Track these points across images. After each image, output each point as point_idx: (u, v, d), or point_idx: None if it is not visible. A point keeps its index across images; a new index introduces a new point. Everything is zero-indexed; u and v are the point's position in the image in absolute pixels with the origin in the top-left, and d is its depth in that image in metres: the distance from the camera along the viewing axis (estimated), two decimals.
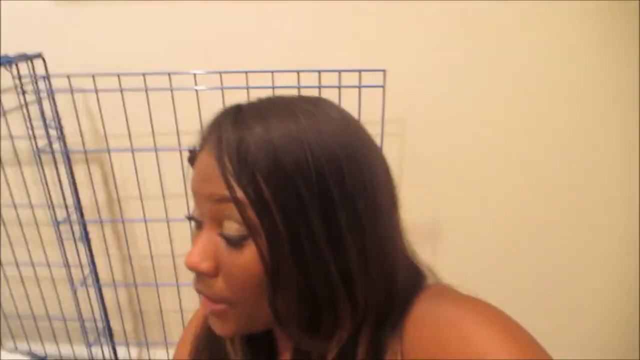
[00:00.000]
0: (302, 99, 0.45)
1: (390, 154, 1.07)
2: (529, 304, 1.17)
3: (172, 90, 0.94)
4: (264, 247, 0.39)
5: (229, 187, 0.39)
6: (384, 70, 0.89)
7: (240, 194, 0.39)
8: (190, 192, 0.44)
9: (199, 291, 0.43)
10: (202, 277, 0.42)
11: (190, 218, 0.45)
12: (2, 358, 1.26)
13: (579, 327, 1.22)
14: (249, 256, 0.40)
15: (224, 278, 0.41)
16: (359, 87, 0.91)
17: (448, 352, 0.38)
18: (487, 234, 1.15)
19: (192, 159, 0.45)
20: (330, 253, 0.40)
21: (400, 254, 0.47)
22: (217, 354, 0.53)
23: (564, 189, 1.09)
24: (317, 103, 0.44)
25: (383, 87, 0.90)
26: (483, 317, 0.40)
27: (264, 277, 0.40)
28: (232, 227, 0.40)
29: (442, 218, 1.14)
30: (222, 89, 0.92)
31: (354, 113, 0.89)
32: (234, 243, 0.40)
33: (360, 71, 0.90)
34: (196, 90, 0.95)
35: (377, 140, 0.91)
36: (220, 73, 0.91)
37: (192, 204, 0.44)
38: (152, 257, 1.15)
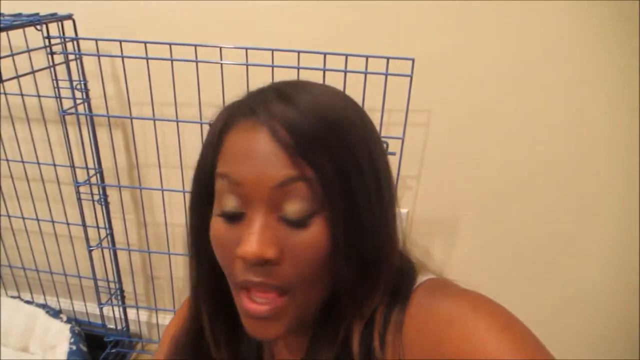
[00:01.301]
0: (313, 82, 0.46)
1: (413, 143, 1.06)
2: (537, 300, 1.16)
3: (197, 63, 0.93)
4: (331, 219, 0.39)
5: (297, 167, 0.38)
6: (412, 59, 0.87)
7: (308, 171, 0.38)
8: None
9: (259, 284, 0.40)
10: (262, 267, 0.40)
11: (225, 215, 0.41)
12: (19, 309, 1.31)
13: (584, 326, 1.20)
14: (314, 232, 0.39)
15: (290, 260, 0.40)
16: (386, 74, 0.89)
17: (448, 347, 0.38)
18: (506, 232, 1.12)
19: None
20: (380, 217, 0.43)
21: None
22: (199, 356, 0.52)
23: (592, 192, 1.06)
24: (327, 86, 0.46)
25: (411, 76, 0.88)
26: (484, 313, 0.39)
27: (329, 251, 0.40)
28: (296, 207, 0.39)
29: (461, 212, 1.12)
30: (247, 65, 0.91)
31: (378, 100, 0.88)
32: (299, 223, 0.39)
33: (388, 58, 0.87)
34: (221, 64, 0.94)
35: (400, 130, 0.91)
36: (246, 49, 0.90)
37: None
38: (166, 225, 1.17)
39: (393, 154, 0.93)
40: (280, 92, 0.41)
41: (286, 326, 0.42)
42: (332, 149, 0.39)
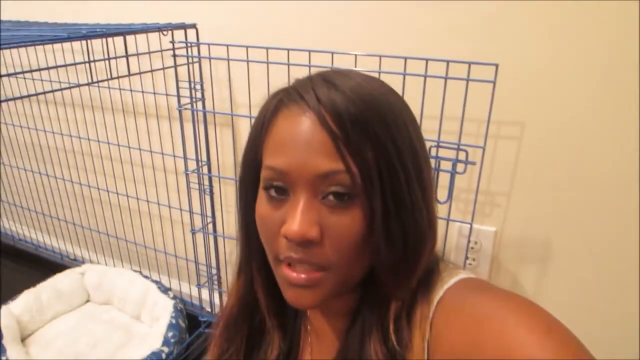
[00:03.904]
0: (356, 71, 0.48)
1: (503, 158, 1.00)
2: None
3: (288, 66, 1.01)
4: (371, 203, 0.42)
5: (342, 159, 0.41)
6: (496, 65, 0.84)
7: (352, 163, 0.41)
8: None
9: (299, 261, 0.43)
10: (304, 246, 0.42)
11: (270, 188, 0.44)
12: (137, 281, 1.50)
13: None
14: (354, 214, 0.42)
15: (330, 241, 0.42)
16: (467, 80, 0.87)
17: (483, 346, 0.37)
18: (602, 262, 0.99)
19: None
20: (420, 199, 0.44)
21: None
22: (251, 331, 0.57)
23: None
24: (369, 75, 0.48)
25: (494, 82, 0.85)
26: (522, 313, 0.38)
27: (368, 232, 0.43)
28: (337, 192, 0.42)
29: (556, 237, 1.02)
30: (331, 68, 0.96)
31: (459, 107, 0.86)
32: (340, 205, 0.42)
33: (470, 63, 0.85)
34: (309, 67, 1.00)
35: (481, 141, 0.87)
36: (332, 53, 0.95)
37: None
38: None
39: (473, 163, 0.90)
40: (326, 79, 0.44)
41: (323, 296, 0.45)
42: (375, 133, 0.41)
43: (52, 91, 0.98)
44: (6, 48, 0.78)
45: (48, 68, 0.93)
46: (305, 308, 0.55)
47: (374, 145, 0.41)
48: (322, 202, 0.42)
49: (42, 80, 1.36)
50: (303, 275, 0.43)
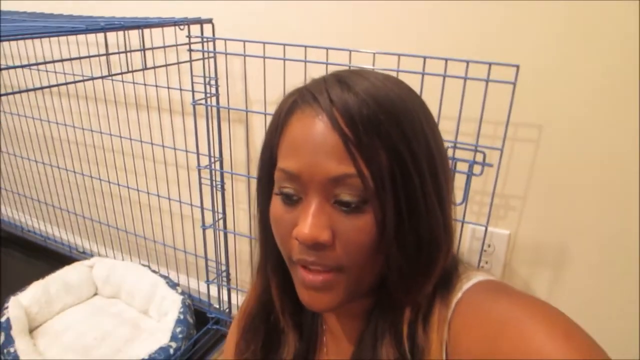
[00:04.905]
0: (372, 71, 0.47)
1: (520, 161, 0.99)
2: None
3: (305, 63, 1.00)
4: (383, 207, 0.41)
5: (354, 163, 0.40)
6: (517, 66, 0.83)
7: (364, 167, 0.40)
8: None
9: (312, 263, 0.43)
10: (316, 248, 0.42)
11: (283, 198, 0.44)
12: (146, 276, 1.50)
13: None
14: (367, 218, 0.42)
15: (341, 244, 0.42)
16: (487, 80, 0.86)
17: (501, 351, 0.37)
18: (619, 269, 0.98)
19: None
20: (436, 203, 0.43)
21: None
22: (269, 331, 0.57)
23: None
24: (385, 74, 0.47)
25: (514, 84, 0.84)
26: (541, 316, 0.38)
27: (380, 236, 0.42)
28: (350, 196, 0.41)
29: (569, 242, 1.01)
30: (349, 66, 0.95)
31: (477, 108, 0.85)
32: (352, 209, 0.42)
33: (490, 64, 0.84)
34: (326, 65, 0.99)
35: (498, 142, 0.86)
36: (350, 51, 0.95)
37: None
38: None
39: (490, 165, 0.89)
40: (341, 80, 0.43)
41: (339, 298, 0.45)
42: (389, 136, 0.41)
43: (69, 83, 0.98)
44: (25, 38, 0.78)
45: (63, 60, 0.93)
46: (321, 311, 0.55)
47: (387, 148, 0.40)
48: (333, 205, 0.42)
49: (57, 72, 1.35)
50: (319, 277, 0.43)
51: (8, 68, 0.76)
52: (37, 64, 0.86)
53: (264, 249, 0.53)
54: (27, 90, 0.99)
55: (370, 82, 0.43)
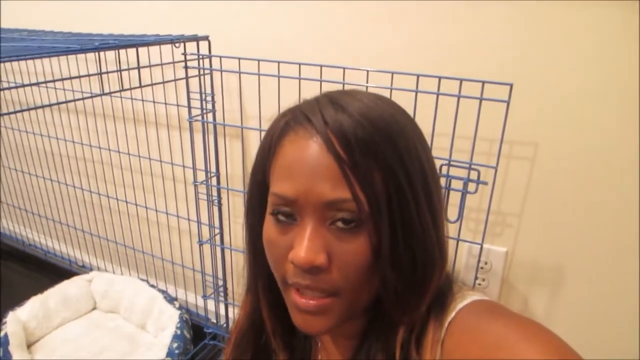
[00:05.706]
0: (364, 91, 0.47)
1: (516, 178, 0.98)
2: None
3: (300, 80, 1.00)
4: (379, 229, 0.41)
5: (349, 187, 0.40)
6: (510, 84, 0.82)
7: (359, 190, 0.40)
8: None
9: (307, 287, 0.43)
10: (312, 272, 0.42)
11: (278, 213, 0.44)
12: (143, 290, 1.50)
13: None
14: (362, 240, 0.42)
15: (337, 267, 0.42)
16: (480, 98, 0.85)
17: None
18: (616, 287, 0.97)
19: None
20: (430, 222, 0.43)
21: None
22: (259, 350, 0.57)
23: None
24: (377, 94, 0.47)
25: (507, 102, 0.83)
26: (534, 340, 0.37)
27: (376, 258, 0.42)
28: (345, 219, 0.41)
29: (567, 258, 1.00)
30: (343, 83, 0.96)
31: (471, 126, 0.85)
32: (347, 231, 0.41)
33: (483, 82, 0.84)
34: (320, 82, 0.99)
35: (493, 160, 0.86)
36: (343, 68, 0.95)
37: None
38: None
39: (485, 183, 0.88)
40: (333, 100, 0.43)
41: (333, 322, 0.44)
42: (384, 157, 0.40)
43: (69, 101, 0.99)
44: (20, 59, 0.79)
45: (63, 79, 0.93)
46: (314, 334, 0.55)
47: (383, 170, 0.40)
48: (329, 228, 0.42)
49: (56, 89, 1.37)
50: (312, 302, 0.43)
51: (6, 89, 0.77)
52: (37, 84, 0.87)
53: (252, 268, 0.52)
54: (27, 110, 0.99)
55: (363, 102, 0.43)
